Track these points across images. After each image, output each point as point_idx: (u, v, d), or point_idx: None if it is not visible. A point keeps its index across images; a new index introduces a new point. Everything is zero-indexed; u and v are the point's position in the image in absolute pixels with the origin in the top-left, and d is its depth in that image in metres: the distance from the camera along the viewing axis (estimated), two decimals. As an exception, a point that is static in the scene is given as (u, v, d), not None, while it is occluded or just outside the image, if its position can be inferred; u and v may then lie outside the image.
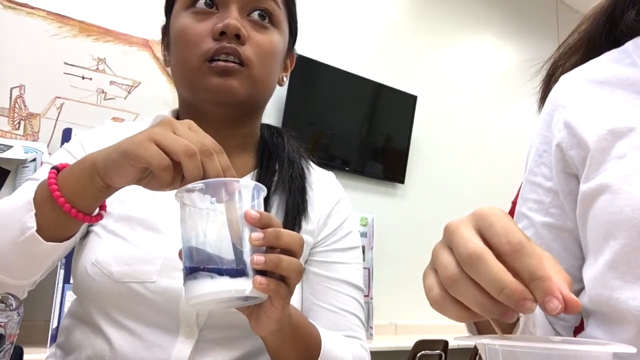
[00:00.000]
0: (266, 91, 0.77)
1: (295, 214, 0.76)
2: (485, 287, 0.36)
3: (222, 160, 0.52)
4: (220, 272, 0.48)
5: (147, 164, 0.51)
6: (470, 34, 3.54)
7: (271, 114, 2.57)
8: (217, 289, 0.48)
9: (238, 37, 0.71)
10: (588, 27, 0.73)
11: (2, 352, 0.59)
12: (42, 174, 0.69)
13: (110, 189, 0.56)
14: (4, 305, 0.68)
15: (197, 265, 0.49)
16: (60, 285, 1.70)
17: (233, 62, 0.71)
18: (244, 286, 0.49)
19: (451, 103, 3.36)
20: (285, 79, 0.84)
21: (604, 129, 0.60)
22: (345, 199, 0.86)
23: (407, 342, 2.33)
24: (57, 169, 0.58)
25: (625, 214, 0.55)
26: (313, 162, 0.87)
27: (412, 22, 3.27)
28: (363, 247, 2.70)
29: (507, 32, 3.72)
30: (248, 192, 0.51)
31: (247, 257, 0.49)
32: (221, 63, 0.70)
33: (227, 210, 0.50)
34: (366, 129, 2.95)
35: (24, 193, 0.59)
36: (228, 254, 0.49)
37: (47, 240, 0.57)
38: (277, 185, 0.78)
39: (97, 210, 0.60)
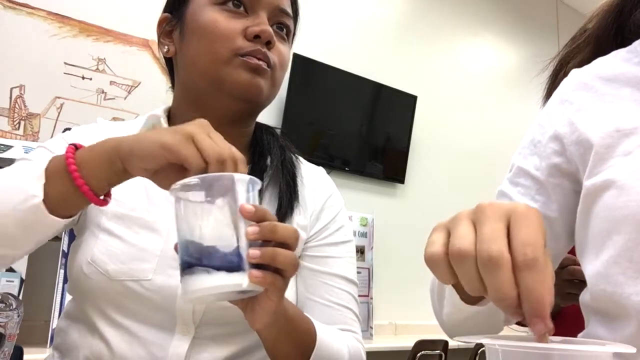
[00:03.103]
0: (275, 95, 0.81)
1: (287, 205, 0.77)
2: (489, 290, 0.38)
3: (242, 170, 0.54)
4: (217, 267, 0.48)
5: (185, 162, 0.52)
6: (470, 34, 3.54)
7: (271, 114, 2.57)
8: (214, 283, 0.48)
9: (268, 43, 0.75)
10: (596, 25, 0.74)
11: (2, 352, 0.59)
12: (35, 157, 0.69)
13: (125, 175, 0.56)
14: (3, 305, 0.68)
15: (193, 259, 0.49)
16: (60, 285, 1.71)
17: (264, 61, 0.75)
18: (241, 280, 0.49)
19: (451, 103, 3.36)
20: None
21: (610, 127, 0.60)
22: (336, 193, 0.87)
23: (407, 342, 2.33)
24: (75, 146, 0.59)
25: (630, 209, 0.55)
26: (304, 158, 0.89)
27: (412, 22, 3.27)
28: (363, 247, 2.70)
29: (507, 32, 3.72)
30: (243, 186, 0.52)
31: (243, 251, 0.50)
32: (254, 60, 0.73)
33: (222, 204, 0.50)
34: (366, 129, 2.95)
35: (34, 163, 0.60)
36: (224, 248, 0.49)
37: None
38: (269, 179, 0.79)
39: (102, 196, 0.60)
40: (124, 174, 0.56)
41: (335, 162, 2.80)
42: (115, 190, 0.73)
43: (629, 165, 0.57)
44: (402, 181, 3.05)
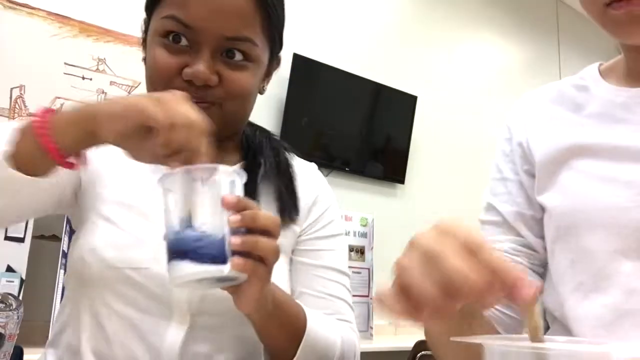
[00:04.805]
0: (242, 120, 0.80)
1: (288, 201, 0.79)
2: (448, 281, 0.38)
3: (203, 142, 0.55)
4: (201, 255, 0.51)
5: (153, 120, 0.53)
6: (470, 34, 3.54)
7: (271, 114, 2.57)
8: (196, 270, 0.51)
9: (206, 86, 0.70)
10: None
11: (2, 352, 0.59)
12: None
13: (94, 138, 0.57)
14: (3, 305, 0.68)
15: (178, 247, 0.52)
16: (60, 285, 1.70)
17: (202, 102, 0.69)
18: (222, 267, 0.52)
19: (451, 103, 3.35)
20: (266, 86, 0.83)
21: (551, 147, 0.67)
22: (327, 188, 0.89)
23: (407, 342, 2.32)
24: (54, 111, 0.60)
25: (565, 228, 0.62)
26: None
27: (412, 22, 3.27)
28: (363, 247, 2.70)
29: (507, 32, 3.72)
30: (227, 177, 0.54)
31: (226, 239, 0.52)
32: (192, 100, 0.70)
33: (206, 194, 0.53)
34: (366, 129, 2.95)
35: (13, 122, 0.61)
36: (207, 237, 0.52)
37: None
38: (264, 176, 0.80)
39: (73, 160, 0.60)
40: (92, 137, 0.56)
41: (335, 162, 2.80)
42: (113, 178, 0.74)
43: (563, 187, 0.64)
44: (402, 181, 3.05)
